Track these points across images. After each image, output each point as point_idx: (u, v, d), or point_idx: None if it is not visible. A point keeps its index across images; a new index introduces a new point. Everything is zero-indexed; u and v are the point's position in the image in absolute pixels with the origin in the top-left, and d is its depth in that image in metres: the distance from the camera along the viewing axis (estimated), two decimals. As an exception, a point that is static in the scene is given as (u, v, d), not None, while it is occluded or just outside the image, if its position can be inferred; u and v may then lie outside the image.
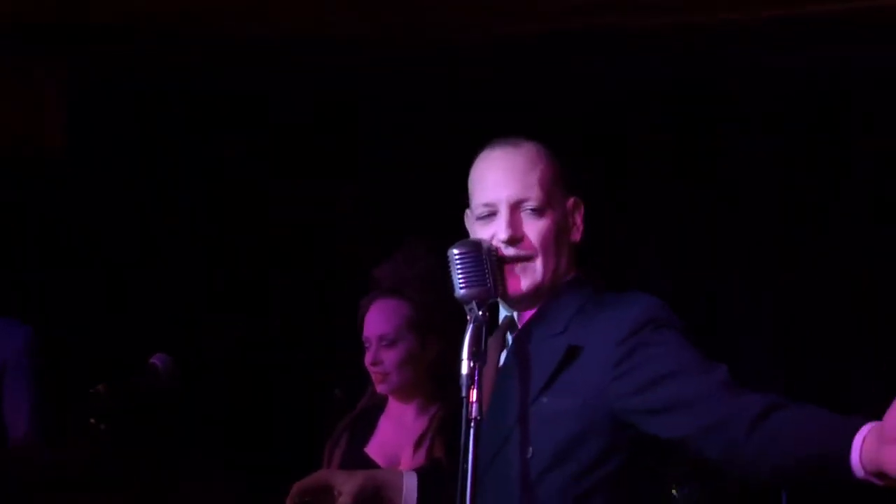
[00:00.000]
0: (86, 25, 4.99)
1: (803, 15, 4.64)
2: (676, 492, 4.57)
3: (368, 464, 4.01)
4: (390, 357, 4.05)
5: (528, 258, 3.07)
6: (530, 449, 2.96)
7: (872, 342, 5.13)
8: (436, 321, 4.01)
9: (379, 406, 4.12)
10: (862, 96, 5.10)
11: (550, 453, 2.95)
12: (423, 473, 3.21)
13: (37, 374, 4.38)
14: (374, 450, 4.05)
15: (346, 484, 3.09)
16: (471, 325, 2.95)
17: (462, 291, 3.00)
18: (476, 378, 2.92)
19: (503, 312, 3.16)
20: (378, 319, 4.09)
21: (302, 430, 4.46)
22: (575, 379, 2.98)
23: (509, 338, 3.12)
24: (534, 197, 3.07)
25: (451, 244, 3.03)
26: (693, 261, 5.27)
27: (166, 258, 5.45)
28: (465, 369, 2.91)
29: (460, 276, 3.00)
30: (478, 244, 3.03)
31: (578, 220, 3.14)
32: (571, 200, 3.13)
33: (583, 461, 2.95)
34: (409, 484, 3.13)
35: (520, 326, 3.11)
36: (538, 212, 3.07)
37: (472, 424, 2.89)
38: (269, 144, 5.63)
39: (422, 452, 3.98)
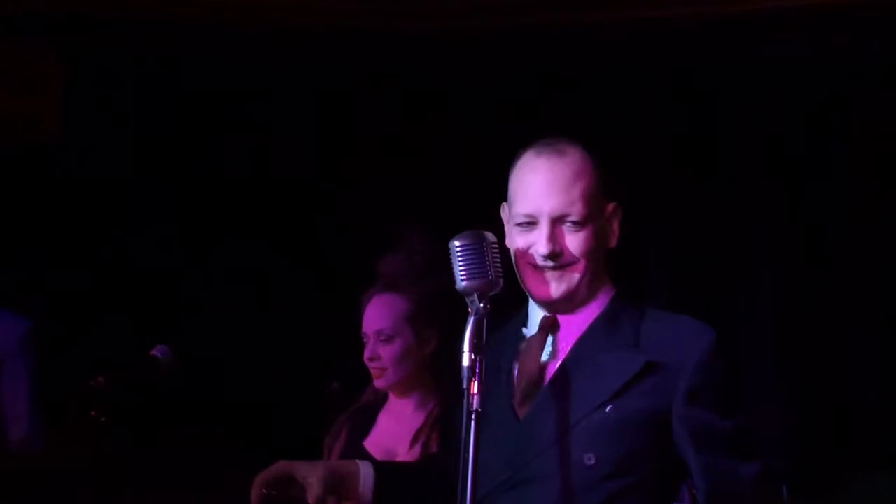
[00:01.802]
0: (83, 12, 4.99)
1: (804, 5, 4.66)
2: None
3: (367, 458, 4.01)
4: (388, 352, 4.05)
5: (565, 268, 3.07)
6: (591, 456, 2.97)
7: (876, 340, 5.13)
8: (434, 315, 4.01)
9: (380, 401, 4.13)
10: (861, 91, 5.10)
11: (613, 463, 2.97)
12: (379, 465, 3.22)
13: (36, 366, 4.38)
14: (372, 444, 4.05)
15: (311, 475, 3.09)
16: (472, 318, 2.95)
17: (463, 283, 3.00)
18: (477, 370, 2.92)
19: (535, 310, 3.15)
20: (376, 314, 4.09)
21: (301, 422, 4.46)
22: (645, 394, 3.01)
23: (550, 338, 3.12)
24: (576, 212, 3.06)
25: (452, 235, 3.03)
26: (694, 258, 5.27)
27: (165, 248, 5.44)
28: (466, 361, 2.92)
29: (461, 268, 3.00)
30: (479, 236, 3.03)
31: (616, 225, 3.14)
32: (611, 207, 3.13)
33: (644, 474, 2.98)
34: (365, 473, 3.14)
35: (562, 327, 3.11)
36: (580, 224, 3.06)
37: (474, 416, 2.89)
38: (270, 133, 5.63)
39: (418, 447, 3.99)
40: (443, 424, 3.88)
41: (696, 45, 5.03)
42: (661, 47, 5.04)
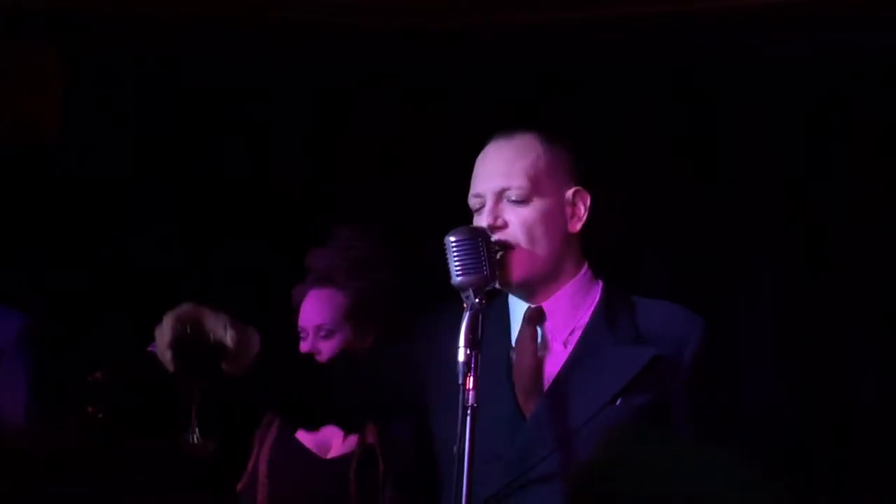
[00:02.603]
0: (83, 12, 4.99)
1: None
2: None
3: (300, 450, 4.01)
4: (328, 347, 4.06)
5: (511, 246, 3.09)
6: None
7: (876, 340, 5.12)
8: (372, 310, 4.03)
9: None
10: (861, 91, 5.10)
11: None
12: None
13: (33, 362, 4.37)
14: (304, 435, 4.05)
15: (217, 325, 3.09)
16: (467, 313, 2.97)
17: (459, 279, 3.01)
18: (473, 365, 2.93)
19: (517, 302, 3.17)
20: (314, 309, 4.10)
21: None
22: (650, 387, 3.06)
23: (538, 329, 3.14)
24: (516, 185, 3.11)
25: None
26: (693, 257, 5.26)
27: (165, 246, 5.44)
28: (461, 357, 2.92)
29: (457, 263, 3.02)
30: (474, 231, 3.06)
31: (580, 210, 3.15)
32: (572, 190, 3.15)
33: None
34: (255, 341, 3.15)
35: (549, 319, 3.13)
36: (521, 201, 3.11)
37: (469, 412, 2.90)
38: (270, 132, 5.63)
39: (353, 439, 3.99)
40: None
41: (695, 43, 5.03)
42: (661, 45, 5.04)
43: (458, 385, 2.91)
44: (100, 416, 3.57)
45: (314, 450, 4.02)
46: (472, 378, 2.91)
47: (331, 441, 4.04)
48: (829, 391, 5.14)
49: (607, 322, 3.12)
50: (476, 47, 5.11)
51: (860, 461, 5.03)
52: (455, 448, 2.87)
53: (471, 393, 2.91)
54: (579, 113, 5.15)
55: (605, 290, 3.18)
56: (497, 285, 3.09)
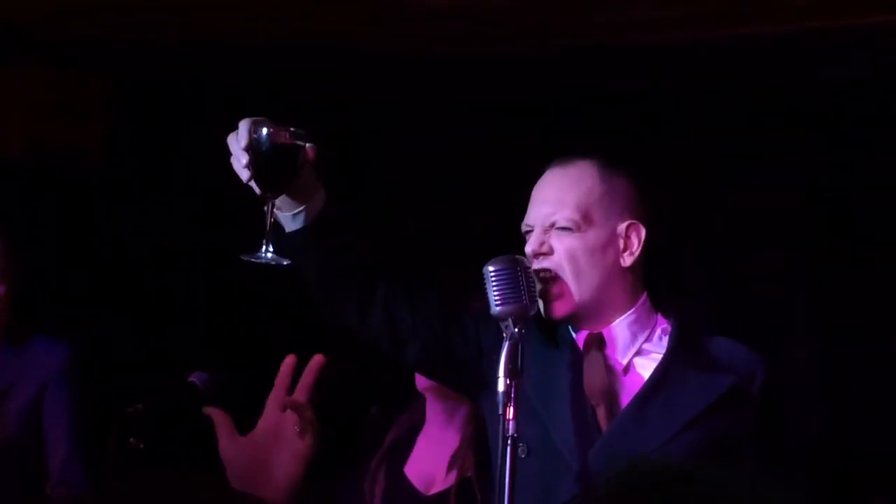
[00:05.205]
0: (123, 38, 5.03)
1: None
2: None
3: (408, 488, 4.01)
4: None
5: (553, 274, 3.08)
6: None
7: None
8: None
9: (413, 433, 4.11)
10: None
11: None
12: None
13: (77, 394, 4.40)
14: (412, 471, 4.04)
15: None
16: (506, 342, 2.94)
17: (497, 308, 2.99)
18: (513, 395, 2.91)
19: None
20: None
21: (339, 446, 4.45)
22: (724, 415, 3.05)
23: (603, 357, 3.13)
24: (564, 216, 3.09)
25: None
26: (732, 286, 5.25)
27: (206, 271, 5.46)
28: (501, 386, 2.90)
29: (496, 293, 2.99)
30: (513, 260, 3.03)
31: (634, 244, 3.13)
32: (626, 223, 3.12)
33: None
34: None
35: (609, 346, 3.13)
36: (567, 230, 3.09)
37: (510, 442, 2.88)
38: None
39: (454, 474, 3.97)
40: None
41: (731, 66, 5.03)
42: (696, 68, 5.04)
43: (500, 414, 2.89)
44: (141, 447, 3.59)
45: (419, 486, 4.02)
46: (511, 408, 2.89)
47: (434, 476, 4.03)
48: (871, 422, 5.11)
49: (686, 350, 3.12)
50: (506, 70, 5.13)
51: None
52: (496, 480, 2.86)
53: (511, 423, 2.88)
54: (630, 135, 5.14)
55: (678, 322, 3.16)
56: (543, 315, 3.09)
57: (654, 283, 3.18)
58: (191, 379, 3.80)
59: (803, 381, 5.11)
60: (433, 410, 4.06)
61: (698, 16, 4.59)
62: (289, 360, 2.48)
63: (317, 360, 2.48)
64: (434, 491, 4.01)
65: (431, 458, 4.00)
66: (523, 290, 3.00)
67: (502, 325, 2.98)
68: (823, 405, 5.08)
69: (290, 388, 2.42)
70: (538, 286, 3.06)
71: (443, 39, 4.90)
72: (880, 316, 5.08)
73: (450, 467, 3.95)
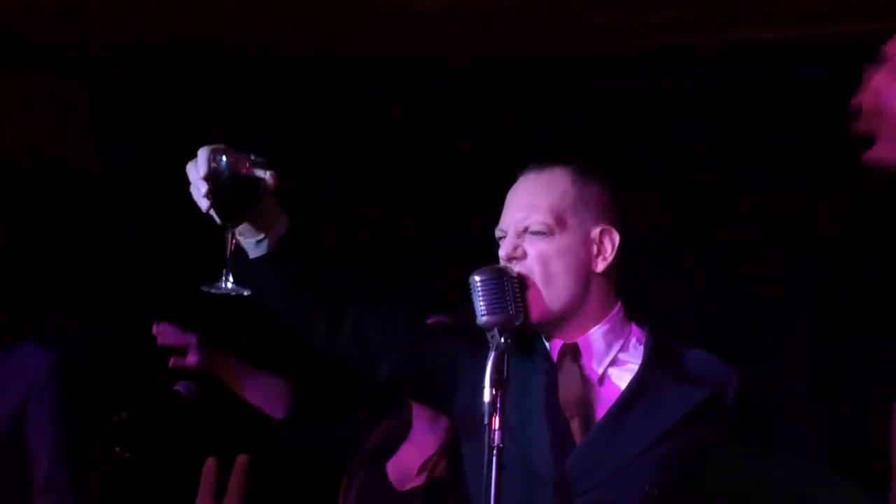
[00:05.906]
0: (111, 44, 5.02)
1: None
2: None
3: (385, 481, 4.10)
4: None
5: (526, 279, 3.08)
6: (654, 486, 3.00)
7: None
8: None
9: (394, 442, 4.18)
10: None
11: (670, 493, 3.00)
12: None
13: (62, 401, 4.36)
14: (392, 466, 4.12)
15: None
16: (492, 353, 2.93)
17: (484, 318, 2.99)
18: (498, 406, 2.90)
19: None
20: None
21: (328, 453, 4.46)
22: (702, 423, 3.06)
23: (578, 367, 3.13)
24: (536, 220, 3.10)
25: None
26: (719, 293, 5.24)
27: (194, 278, 5.44)
28: (487, 396, 2.89)
29: (482, 303, 2.99)
30: (500, 270, 3.03)
31: (607, 249, 3.12)
32: (599, 228, 3.12)
33: (690, 502, 3.03)
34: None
35: (584, 356, 3.12)
36: (541, 234, 3.09)
37: (495, 452, 2.87)
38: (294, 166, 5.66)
39: (424, 475, 4.06)
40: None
41: (718, 72, 5.03)
42: (683, 74, 5.04)
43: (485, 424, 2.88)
44: (126, 455, 3.58)
45: (395, 482, 4.08)
46: (497, 418, 2.88)
47: (409, 475, 4.09)
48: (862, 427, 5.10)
49: (662, 360, 3.12)
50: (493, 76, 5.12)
51: None
52: (483, 490, 2.85)
53: (497, 433, 2.88)
54: (606, 142, 5.14)
55: (652, 332, 3.16)
56: (526, 326, 3.08)
57: (627, 292, 3.18)
58: (176, 387, 3.80)
59: (801, 381, 5.11)
60: (418, 416, 4.13)
61: (697, 18, 4.58)
62: (210, 464, 2.45)
63: (242, 460, 2.45)
64: (407, 487, 4.07)
65: (410, 458, 4.09)
66: (510, 300, 3.00)
67: (488, 336, 2.98)
68: (819, 406, 5.08)
69: (218, 493, 2.38)
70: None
71: (441, 41, 4.89)
72: (881, 316, 5.07)
73: (422, 468, 4.01)
